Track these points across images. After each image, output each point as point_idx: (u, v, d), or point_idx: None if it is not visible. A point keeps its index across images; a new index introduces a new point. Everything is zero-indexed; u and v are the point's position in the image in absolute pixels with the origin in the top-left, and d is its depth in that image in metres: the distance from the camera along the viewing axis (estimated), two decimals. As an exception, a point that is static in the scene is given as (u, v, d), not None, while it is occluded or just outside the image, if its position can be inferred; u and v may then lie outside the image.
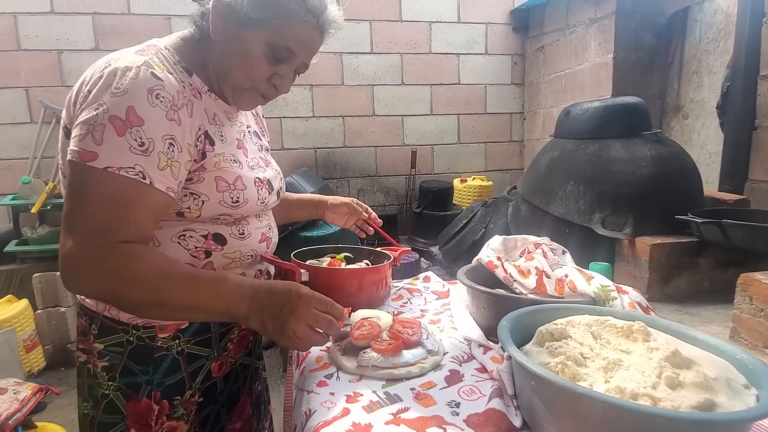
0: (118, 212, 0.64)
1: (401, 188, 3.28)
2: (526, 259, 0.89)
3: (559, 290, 0.78)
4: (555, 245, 0.95)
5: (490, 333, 0.79)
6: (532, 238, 0.94)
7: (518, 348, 0.54)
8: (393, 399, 0.59)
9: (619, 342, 0.55)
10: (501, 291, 0.88)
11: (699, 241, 1.55)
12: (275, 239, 0.97)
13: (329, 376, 0.65)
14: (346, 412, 0.56)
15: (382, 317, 0.80)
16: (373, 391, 0.61)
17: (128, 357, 0.76)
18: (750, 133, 1.93)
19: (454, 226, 2.57)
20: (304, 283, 0.89)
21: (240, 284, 0.67)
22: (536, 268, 0.85)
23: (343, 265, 1.07)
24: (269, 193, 0.89)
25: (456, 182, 3.15)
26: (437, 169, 3.32)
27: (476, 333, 0.78)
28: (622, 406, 0.38)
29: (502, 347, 0.65)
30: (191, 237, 0.77)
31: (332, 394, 0.61)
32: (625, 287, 0.73)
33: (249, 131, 0.94)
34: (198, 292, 0.65)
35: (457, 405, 0.58)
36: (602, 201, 1.71)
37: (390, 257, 1.04)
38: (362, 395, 0.60)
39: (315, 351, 0.74)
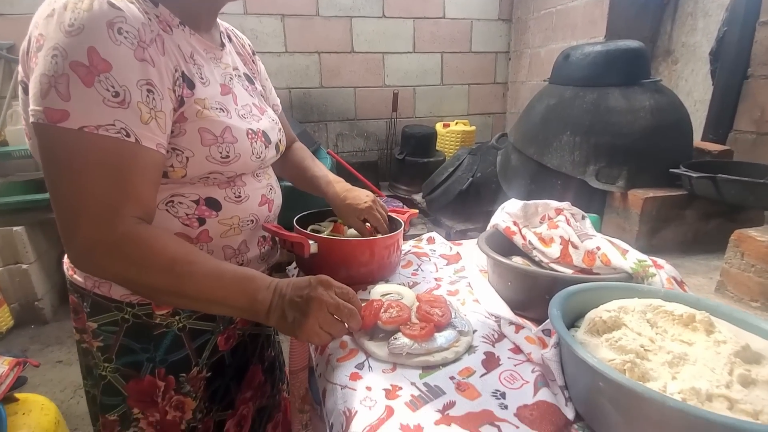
0: (116, 184, 0.56)
1: (381, 133, 3.13)
2: (548, 226, 0.84)
3: (589, 262, 0.75)
4: (575, 210, 0.91)
5: (517, 307, 0.76)
6: (553, 203, 0.89)
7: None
8: (435, 392, 0.56)
9: (677, 331, 0.52)
10: (528, 266, 0.84)
11: (688, 194, 1.58)
12: (278, 201, 0.88)
13: (360, 366, 0.61)
14: (390, 411, 0.52)
15: (404, 293, 0.75)
16: (412, 383, 0.57)
17: (126, 335, 0.71)
18: (741, 82, 1.91)
19: (439, 174, 2.50)
20: (312, 255, 0.82)
21: (264, 278, 0.63)
22: (561, 237, 0.81)
23: (347, 230, 1.00)
24: (266, 147, 0.78)
25: (438, 127, 3.04)
26: (419, 112, 3.18)
27: (503, 309, 0.74)
28: (735, 426, 0.35)
29: (545, 330, 0.62)
30: (181, 203, 0.68)
31: (369, 389, 0.56)
32: (659, 260, 0.70)
33: (237, 74, 0.80)
34: (222, 285, 0.60)
35: (503, 395, 0.55)
36: (598, 153, 1.68)
37: (400, 223, 0.97)
38: (401, 388, 0.56)
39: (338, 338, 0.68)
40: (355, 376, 0.58)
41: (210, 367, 0.80)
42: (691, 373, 0.45)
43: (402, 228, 0.93)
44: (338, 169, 2.46)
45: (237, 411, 0.88)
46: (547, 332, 0.61)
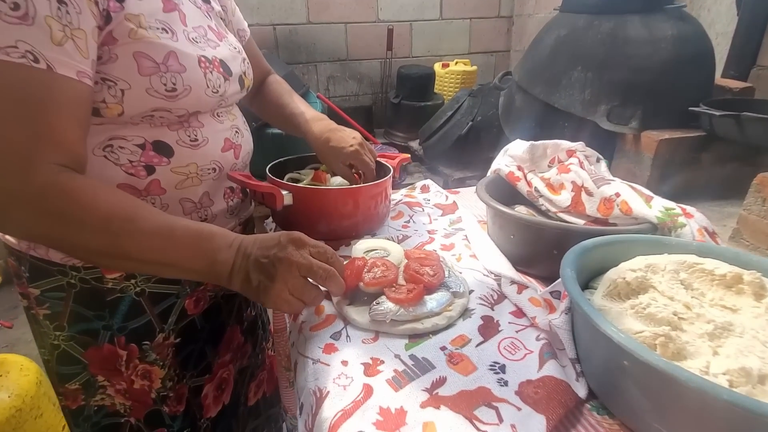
0: (26, 123, 0.45)
1: (376, 74, 2.91)
2: (558, 170, 0.73)
3: (605, 211, 0.64)
4: (590, 151, 0.79)
5: (519, 263, 0.66)
6: (565, 144, 0.77)
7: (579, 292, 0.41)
8: (423, 366, 0.47)
9: (718, 295, 0.42)
10: (533, 216, 0.74)
11: (706, 136, 1.45)
12: (248, 146, 0.76)
13: (337, 336, 0.52)
14: (368, 391, 0.44)
15: (391, 249, 0.65)
16: (396, 356, 0.49)
17: (75, 302, 0.64)
18: None
19: (437, 119, 2.34)
20: (287, 207, 0.71)
21: (226, 235, 0.54)
22: (573, 182, 0.70)
23: (329, 179, 0.88)
24: (225, 80, 0.66)
25: (437, 67, 2.81)
26: (416, 51, 2.93)
27: (504, 265, 0.65)
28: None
29: (554, 291, 0.52)
30: (122, 148, 0.57)
31: (345, 363, 0.48)
32: (688, 208, 0.60)
33: None
34: (173, 245, 0.51)
35: (502, 369, 0.47)
36: (611, 90, 1.52)
37: (389, 168, 0.85)
38: (383, 362, 0.48)
39: (313, 299, 0.59)
40: (329, 348, 0.50)
41: (179, 332, 0.72)
42: (737, 348, 0.36)
43: (391, 174, 0.82)
44: (330, 115, 2.29)
45: (215, 375, 0.81)
46: (557, 294, 0.51)
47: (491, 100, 2.14)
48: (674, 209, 0.58)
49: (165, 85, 0.56)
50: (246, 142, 0.76)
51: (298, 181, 0.87)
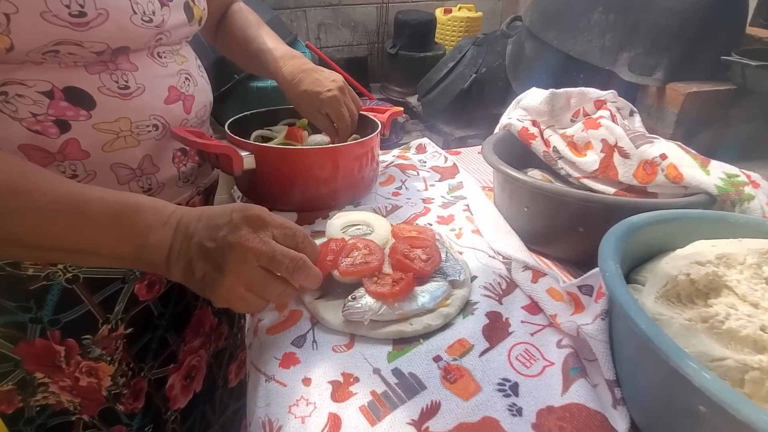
0: None
1: (371, 22, 2.66)
2: (585, 125, 0.59)
3: (644, 177, 0.51)
4: (621, 102, 0.64)
5: (533, 241, 0.54)
6: (593, 92, 0.62)
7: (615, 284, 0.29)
8: (410, 385, 0.36)
9: (823, 300, 0.30)
10: (551, 182, 0.60)
11: (737, 89, 1.29)
12: (204, 98, 0.61)
13: (300, 342, 0.40)
14: (335, 424, 0.32)
15: (375, 225, 0.53)
16: (375, 370, 0.37)
17: None
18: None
19: (437, 71, 2.13)
20: (249, 171, 0.58)
21: (159, 208, 0.41)
22: (603, 140, 0.56)
23: (306, 137, 0.74)
24: (162, 5, 0.50)
25: (438, 13, 2.57)
26: (415, -6, 2.67)
27: (515, 245, 0.52)
28: None
29: (584, 286, 0.40)
30: (21, 96, 0.45)
31: (307, 382, 0.36)
32: (753, 175, 0.46)
33: None
34: (86, 225, 0.39)
35: (514, 389, 0.36)
36: (635, 36, 1.34)
37: (376, 124, 0.71)
38: (358, 380, 0.36)
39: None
40: (289, 360, 0.38)
41: (130, 321, 0.61)
42: None
43: (378, 131, 0.68)
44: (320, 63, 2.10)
45: (182, 364, 0.71)
46: (588, 290, 0.39)
47: (497, 50, 1.93)
48: (738, 176, 0.45)
49: (68, 6, 0.41)
50: (201, 92, 0.61)
51: (268, 139, 0.72)
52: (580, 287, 0.39)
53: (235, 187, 0.73)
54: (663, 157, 0.49)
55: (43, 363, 0.57)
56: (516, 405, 0.34)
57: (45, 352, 0.56)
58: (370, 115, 0.75)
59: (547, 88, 0.67)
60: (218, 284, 0.38)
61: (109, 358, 0.59)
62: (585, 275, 0.39)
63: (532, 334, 0.41)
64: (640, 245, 0.39)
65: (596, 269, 0.38)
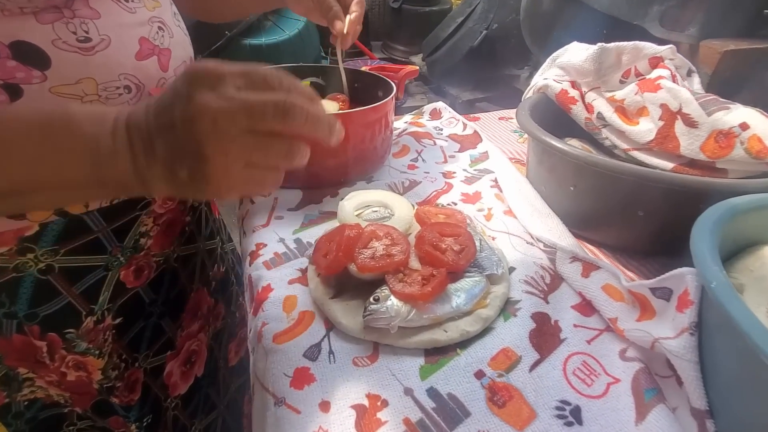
0: None
1: (372, -28, 2.46)
2: (640, 88, 0.50)
3: (716, 151, 0.43)
4: (679, 59, 0.55)
5: (577, 224, 0.47)
6: (648, 47, 0.53)
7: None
8: (450, 411, 0.30)
9: None
10: (592, 153, 0.52)
11: (778, 46, 1.18)
12: (184, 52, 0.52)
13: (314, 353, 0.33)
14: (361, 466, 0.26)
15: (395, 206, 0.45)
16: (407, 390, 0.31)
17: None
18: None
19: (444, 27, 1.98)
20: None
21: (96, 117, 0.32)
22: (663, 105, 0.47)
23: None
24: None
25: (445, -38, 2.36)
26: (420, -60, 2.44)
27: (557, 230, 0.45)
28: None
29: (659, 288, 0.33)
30: None
31: (325, 407, 0.30)
32: None
33: None
34: (25, 143, 0.31)
35: (576, 414, 0.30)
36: (669, -15, 1.21)
37: (389, 86, 0.61)
38: (387, 405, 0.30)
39: (280, 288, 0.40)
40: (302, 378, 0.32)
41: (119, 311, 0.54)
42: None
43: (393, 94, 0.58)
44: (318, 26, 1.94)
45: (180, 350, 0.66)
46: (663, 293, 0.32)
47: (511, 3, 1.78)
48: (842, 151, 0.37)
49: None
50: (179, 45, 0.51)
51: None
52: (655, 290, 0.32)
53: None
54: (744, 126, 0.41)
55: (24, 359, 0.52)
56: (580, 436, 0.28)
57: (25, 347, 0.50)
58: (382, 74, 0.65)
59: (562, 46, 0.57)
60: (210, 175, 0.29)
61: (97, 352, 0.53)
62: (663, 276, 0.32)
63: (588, 342, 0.35)
64: (730, 237, 0.32)
65: (679, 270, 0.30)
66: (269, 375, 0.32)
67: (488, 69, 1.86)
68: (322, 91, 0.68)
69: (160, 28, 0.48)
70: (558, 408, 0.30)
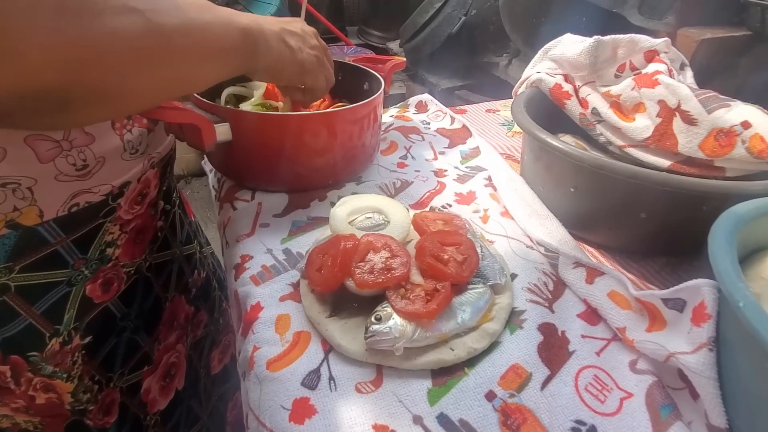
0: None
1: (346, -46, 2.37)
2: (636, 83, 0.48)
3: (716, 149, 0.42)
4: (674, 53, 0.54)
5: (575, 225, 0.45)
6: (644, 40, 0.51)
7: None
8: (463, 439, 0.28)
9: None
10: (586, 150, 0.51)
11: (752, 36, 1.20)
12: None
13: (314, 381, 0.31)
14: None
15: (390, 212, 0.42)
16: (416, 419, 0.29)
17: None
18: None
19: (422, 12, 1.93)
20: (223, 143, 0.46)
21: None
22: (661, 101, 0.46)
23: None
24: None
25: (421, -56, 2.29)
26: None
27: (558, 234, 0.44)
28: None
29: (673, 300, 0.32)
30: None
31: (329, 444, 0.27)
32: None
33: None
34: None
35: (593, 434, 0.28)
36: (648, -28, 1.21)
37: (377, 80, 0.58)
38: (395, 435, 0.28)
39: (271, 307, 0.37)
40: (302, 410, 0.29)
41: (87, 329, 0.50)
42: None
43: (382, 90, 0.55)
44: (292, 8, 1.87)
45: (158, 364, 0.62)
46: (676, 303, 0.31)
47: (490, -12, 1.75)
48: (843, 150, 0.37)
49: None
50: None
51: (242, 99, 0.59)
52: (667, 301, 0.31)
53: (206, 158, 0.60)
54: (746, 125, 0.40)
55: None
56: (598, 459, 0.27)
57: None
58: (368, 67, 0.61)
59: (543, 35, 0.55)
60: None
61: (65, 375, 0.49)
62: (677, 288, 0.31)
63: (597, 354, 0.34)
64: (740, 241, 0.31)
65: (694, 282, 0.29)
66: (265, 407, 0.30)
67: (467, 56, 1.83)
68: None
69: None
70: (573, 429, 0.29)
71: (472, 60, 1.84)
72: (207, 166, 0.62)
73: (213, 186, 0.58)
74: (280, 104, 0.57)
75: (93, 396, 0.52)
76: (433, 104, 0.77)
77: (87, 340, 0.50)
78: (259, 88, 0.59)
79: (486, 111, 0.80)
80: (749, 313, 0.23)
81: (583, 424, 0.29)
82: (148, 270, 0.56)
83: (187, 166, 2.19)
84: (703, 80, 1.24)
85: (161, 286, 0.59)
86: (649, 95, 0.47)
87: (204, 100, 0.47)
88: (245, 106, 0.55)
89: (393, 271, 0.34)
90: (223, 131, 0.44)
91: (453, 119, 0.72)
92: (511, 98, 0.67)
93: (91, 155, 0.42)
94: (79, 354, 0.49)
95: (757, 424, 0.25)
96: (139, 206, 0.51)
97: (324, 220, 0.47)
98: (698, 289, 0.29)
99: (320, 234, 0.44)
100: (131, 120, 0.45)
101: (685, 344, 0.29)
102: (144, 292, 0.56)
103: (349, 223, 0.42)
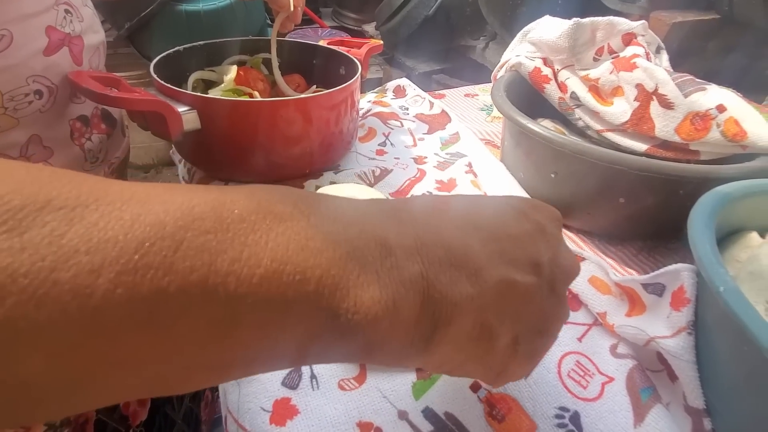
0: None
1: (318, -69, 2.29)
2: (615, 66, 0.48)
3: (692, 133, 0.43)
4: (650, 35, 0.54)
5: (560, 212, 0.45)
6: (622, 23, 0.51)
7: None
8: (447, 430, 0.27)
9: None
10: (565, 135, 0.51)
11: (721, 19, 1.23)
12: (94, 37, 0.45)
13: (294, 380, 0.30)
14: None
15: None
16: (401, 414, 0.28)
17: None
18: None
19: (398, -6, 1.89)
20: (192, 134, 0.43)
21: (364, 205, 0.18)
22: (638, 85, 0.46)
23: (262, 82, 0.58)
24: None
25: None
26: None
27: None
28: None
29: (652, 284, 0.32)
30: None
31: (313, 444, 0.26)
32: (819, 129, 0.39)
33: None
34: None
35: (576, 422, 0.29)
36: (622, -46, 1.21)
37: (352, 63, 0.56)
38: (380, 431, 0.27)
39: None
40: (283, 411, 0.28)
41: None
42: None
43: (359, 74, 0.53)
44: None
45: None
46: (656, 288, 0.32)
47: (466, -31, 1.72)
48: (811, 133, 0.38)
49: None
50: (90, 29, 0.43)
51: (211, 84, 0.56)
52: (647, 285, 0.32)
53: (174, 149, 0.57)
54: (720, 108, 0.40)
55: None
56: (582, 446, 0.27)
57: None
58: (343, 50, 0.59)
59: (519, 17, 0.55)
60: (541, 349, 0.21)
61: None
62: (657, 273, 0.31)
63: (579, 339, 0.34)
64: (717, 224, 0.31)
65: (674, 267, 0.30)
66: (244, 410, 0.28)
67: (444, 39, 1.81)
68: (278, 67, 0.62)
69: (67, 11, 0.39)
70: (557, 417, 0.29)
71: (449, 43, 1.82)
72: (176, 156, 0.59)
73: (183, 177, 0.56)
74: (256, 93, 0.54)
75: (66, 419, 0.50)
76: (411, 89, 0.76)
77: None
78: (230, 73, 0.56)
79: (465, 95, 0.79)
80: (729, 298, 0.23)
81: (567, 410, 0.29)
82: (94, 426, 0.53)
83: (157, 155, 2.10)
84: (674, 64, 1.26)
85: None
86: (627, 79, 0.47)
87: (169, 85, 0.44)
88: (215, 93, 0.52)
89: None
90: (190, 119, 0.42)
91: (432, 104, 0.71)
92: (490, 82, 0.67)
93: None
94: None
95: (734, 405, 0.26)
96: None
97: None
98: (678, 274, 0.29)
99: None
100: (89, 127, 0.42)
101: (664, 328, 0.29)
102: None
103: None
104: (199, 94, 0.46)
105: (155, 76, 0.45)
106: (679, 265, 0.29)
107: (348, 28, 2.21)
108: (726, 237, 0.34)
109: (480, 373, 0.20)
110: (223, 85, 0.54)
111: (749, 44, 1.23)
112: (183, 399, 0.73)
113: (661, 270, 0.30)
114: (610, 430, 0.28)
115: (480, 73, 1.61)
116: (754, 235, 0.32)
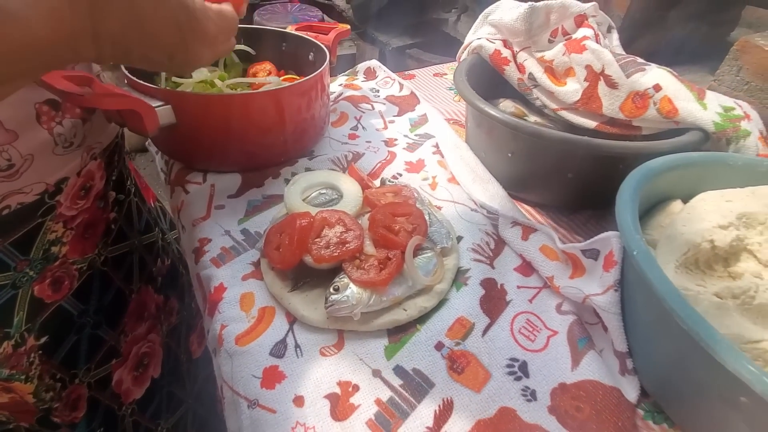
0: None
1: None
2: (567, 48, 0.52)
3: (633, 111, 0.47)
4: (601, 16, 0.57)
5: (512, 186, 0.50)
6: (574, 5, 0.54)
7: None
8: (416, 385, 0.32)
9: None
10: (526, 116, 0.54)
11: (681, -13, 1.26)
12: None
13: (281, 350, 0.34)
14: (342, 450, 0.28)
15: (342, 187, 0.45)
16: (375, 372, 0.33)
17: None
18: None
19: (367, -35, 1.85)
20: (168, 127, 0.45)
21: None
22: (588, 66, 0.50)
23: (231, 71, 0.59)
24: None
25: None
26: None
27: (498, 196, 0.48)
28: None
29: (588, 250, 0.37)
30: None
31: (300, 402, 0.31)
32: (744, 106, 0.44)
33: None
34: None
35: (524, 369, 0.34)
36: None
37: (323, 51, 0.58)
38: (358, 389, 0.32)
39: (234, 286, 0.39)
40: (272, 377, 0.32)
41: (42, 330, 0.49)
42: None
43: (327, 61, 0.55)
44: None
45: (128, 356, 0.62)
46: (592, 253, 0.36)
47: (435, -61, 1.70)
48: (734, 109, 0.42)
49: None
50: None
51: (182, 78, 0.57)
52: (585, 251, 0.36)
53: (150, 141, 0.58)
54: (657, 88, 0.44)
55: None
56: (529, 388, 0.32)
57: None
58: (311, 36, 0.61)
59: (498, 2, 0.57)
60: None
61: (23, 377, 0.49)
62: (592, 240, 0.36)
63: (530, 301, 0.39)
64: (646, 195, 0.36)
65: (605, 234, 0.34)
66: (238, 378, 0.32)
67: (415, 13, 1.80)
68: (250, 59, 0.63)
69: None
70: (508, 366, 0.34)
71: (421, 17, 1.81)
72: (152, 147, 0.61)
73: (161, 169, 0.57)
74: (226, 88, 0.56)
75: (56, 394, 0.52)
76: (381, 70, 0.78)
77: (43, 340, 0.49)
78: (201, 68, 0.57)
79: (434, 75, 0.81)
80: (641, 260, 0.28)
81: (516, 360, 0.34)
82: (104, 264, 0.55)
83: (130, 142, 2.06)
84: (635, 34, 1.29)
85: (122, 279, 0.59)
86: (577, 60, 0.51)
87: (140, 81, 0.45)
88: (186, 87, 0.54)
89: (347, 245, 0.37)
90: (165, 114, 0.44)
91: (401, 86, 0.73)
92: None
93: (16, 154, 0.40)
94: (36, 355, 0.49)
95: (648, 347, 0.31)
96: (83, 201, 0.49)
97: (279, 198, 0.48)
98: (608, 240, 0.34)
99: (277, 212, 0.46)
100: (60, 111, 0.43)
101: (597, 287, 0.34)
102: (102, 287, 0.55)
103: (303, 200, 0.43)
104: (170, 89, 0.48)
105: (126, 71, 0.47)
106: (610, 233, 0.34)
107: (318, 3, 2.16)
108: (655, 205, 0.39)
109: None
110: (193, 78, 0.55)
111: (710, 11, 1.27)
112: (197, 379, 0.76)
113: (596, 237, 0.35)
114: (552, 374, 0.33)
115: (453, 47, 1.62)
116: (678, 203, 0.37)
